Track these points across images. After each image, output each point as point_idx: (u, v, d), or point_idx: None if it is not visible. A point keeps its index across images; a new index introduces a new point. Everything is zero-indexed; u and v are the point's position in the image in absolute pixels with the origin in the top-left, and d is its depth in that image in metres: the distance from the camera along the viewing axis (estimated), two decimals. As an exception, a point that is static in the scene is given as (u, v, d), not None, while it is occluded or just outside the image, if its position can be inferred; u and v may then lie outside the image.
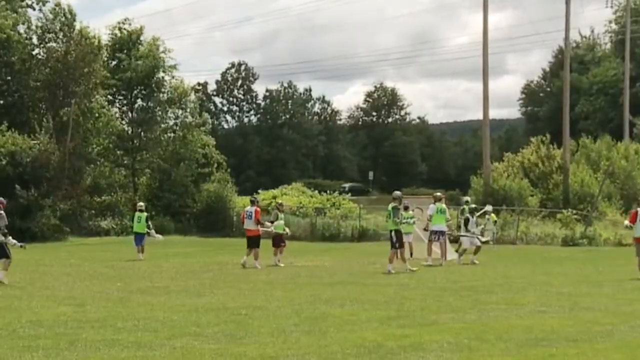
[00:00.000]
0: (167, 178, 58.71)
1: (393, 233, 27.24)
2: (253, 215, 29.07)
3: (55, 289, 20.86)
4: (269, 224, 30.00)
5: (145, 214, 34.48)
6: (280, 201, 36.30)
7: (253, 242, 28.88)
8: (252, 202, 30.07)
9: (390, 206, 27.87)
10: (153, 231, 34.33)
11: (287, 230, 31.63)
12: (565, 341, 13.04)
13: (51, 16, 56.00)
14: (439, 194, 32.18)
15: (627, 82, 73.57)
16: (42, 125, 50.75)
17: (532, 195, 54.16)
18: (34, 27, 56.73)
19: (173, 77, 63.20)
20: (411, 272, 26.24)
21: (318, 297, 18.81)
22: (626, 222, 26.64)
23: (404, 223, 28.14)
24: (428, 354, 11.93)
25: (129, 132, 62.26)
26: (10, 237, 23.64)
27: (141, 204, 36.38)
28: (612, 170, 55.93)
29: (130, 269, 27.86)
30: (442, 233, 31.32)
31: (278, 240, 30.30)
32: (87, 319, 15.20)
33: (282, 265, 29.29)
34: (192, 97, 64.13)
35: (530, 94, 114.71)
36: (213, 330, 13.94)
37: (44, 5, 57.61)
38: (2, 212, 23.43)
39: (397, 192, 28.91)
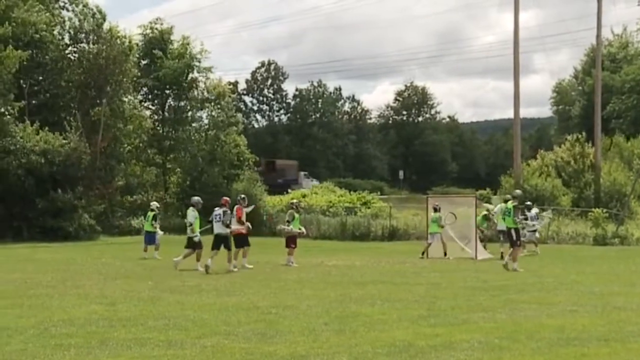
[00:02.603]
0: (199, 177, 58.86)
1: (513, 231, 27.44)
2: (235, 214, 28.46)
3: (86, 287, 20.95)
4: (248, 224, 29.40)
5: (152, 212, 34.76)
6: (295, 200, 36.10)
7: (241, 242, 28.16)
8: (237, 201, 29.15)
9: (509, 204, 28.12)
10: (158, 229, 34.62)
11: (303, 229, 31.47)
12: (597, 341, 12.96)
13: (82, 17, 56.38)
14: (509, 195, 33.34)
15: (660, 80, 73.12)
16: (72, 124, 51.06)
17: (565, 195, 53.86)
18: (67, 28, 57.14)
19: (207, 77, 63.59)
20: (515, 272, 26.28)
21: (348, 296, 18.80)
22: None
23: (523, 223, 28.36)
24: (459, 353, 11.89)
25: (160, 131, 62.56)
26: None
27: (153, 203, 36.60)
28: (644, 169, 55.56)
29: (161, 267, 27.95)
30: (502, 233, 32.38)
31: (290, 241, 30.02)
32: (118, 318, 15.26)
33: (296, 265, 28.92)
34: (228, 97, 64.34)
35: (561, 93, 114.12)
36: (243, 329, 13.96)
37: (77, 6, 57.99)
38: (226, 209, 27.29)
39: (518, 191, 29.77)
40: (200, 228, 28.50)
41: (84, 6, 56.57)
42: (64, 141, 49.15)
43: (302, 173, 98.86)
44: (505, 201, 33.31)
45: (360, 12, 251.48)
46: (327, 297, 18.76)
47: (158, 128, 63.00)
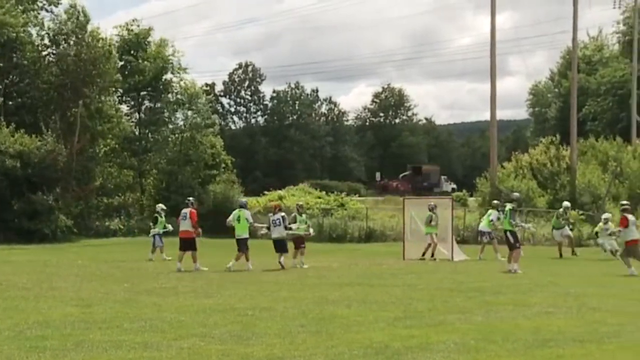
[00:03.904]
0: (174, 179, 58.71)
1: (509, 234, 27.46)
2: (188, 216, 28.53)
3: (62, 289, 20.87)
4: (254, 223, 29.38)
5: (155, 214, 34.97)
6: (300, 202, 36.23)
7: (187, 245, 28.26)
8: (187, 204, 29.24)
9: (507, 207, 28.16)
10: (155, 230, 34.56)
11: (312, 230, 31.94)
12: (573, 342, 13.03)
13: (64, 17, 56.01)
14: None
15: (635, 82, 73.34)
16: (49, 126, 50.84)
17: (540, 196, 54.01)
18: (46, 29, 56.81)
19: (181, 79, 63.41)
20: (516, 273, 26.38)
21: (325, 298, 18.82)
22: (617, 228, 27.65)
23: (518, 226, 28.39)
24: (435, 354, 11.93)
25: (136, 133, 62.34)
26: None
27: (158, 205, 36.72)
28: (619, 171, 55.71)
29: (137, 269, 27.91)
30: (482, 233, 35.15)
31: (299, 242, 30.28)
32: (94, 320, 15.22)
33: (306, 266, 29.25)
34: (203, 98, 64.13)
35: (538, 95, 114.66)
36: (220, 331, 13.95)
37: (55, 6, 57.65)
38: (284, 213, 29.67)
39: (516, 194, 29.69)
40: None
41: (71, 6, 56.09)
42: (40, 143, 48.92)
43: (442, 177, 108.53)
44: (494, 207, 33.88)
45: (335, 14, 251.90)
46: (304, 299, 18.77)
47: (135, 129, 62.76)
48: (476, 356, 11.94)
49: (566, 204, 38.94)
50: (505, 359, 11.80)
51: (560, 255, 36.02)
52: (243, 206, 29.27)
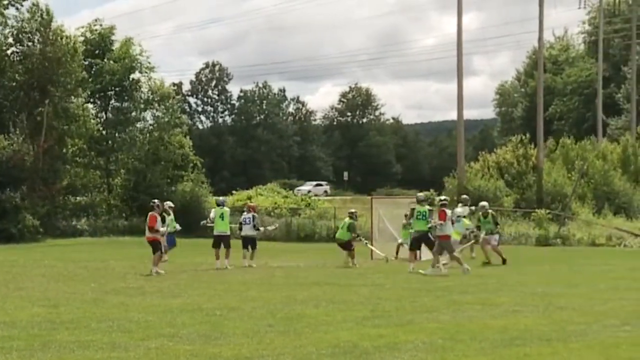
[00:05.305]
0: (142, 179, 58.42)
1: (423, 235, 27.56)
2: (147, 220, 27.43)
3: (29, 289, 20.75)
4: (163, 229, 28.36)
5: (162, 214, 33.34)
6: (353, 209, 36.00)
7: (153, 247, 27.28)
8: (152, 207, 27.72)
9: (424, 208, 28.01)
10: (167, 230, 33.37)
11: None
12: (540, 341, 13.09)
13: (27, 15, 55.49)
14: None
15: (600, 82, 73.94)
16: (16, 125, 50.49)
17: (507, 196, 54.22)
18: (9, 27, 56.25)
19: (150, 78, 63.07)
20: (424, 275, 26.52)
21: (293, 298, 18.81)
22: (434, 222, 27.25)
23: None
24: (403, 354, 11.95)
25: (103, 133, 61.95)
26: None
27: (166, 202, 34.26)
28: (586, 170, 56.04)
29: (104, 269, 27.76)
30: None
31: (349, 246, 30.82)
32: (61, 320, 15.14)
33: (357, 265, 29.91)
34: (172, 99, 63.83)
35: (504, 94, 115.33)
36: (188, 331, 13.92)
37: (21, 5, 57.15)
38: (254, 213, 30.53)
39: (421, 195, 29.74)
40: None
41: (33, 4, 55.53)
42: (6, 142, 48.63)
43: None
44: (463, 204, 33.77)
45: (300, 14, 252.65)
46: (272, 298, 18.75)
47: (102, 129, 62.32)
48: (444, 355, 11.97)
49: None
50: (473, 358, 11.84)
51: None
52: (222, 204, 30.00)
